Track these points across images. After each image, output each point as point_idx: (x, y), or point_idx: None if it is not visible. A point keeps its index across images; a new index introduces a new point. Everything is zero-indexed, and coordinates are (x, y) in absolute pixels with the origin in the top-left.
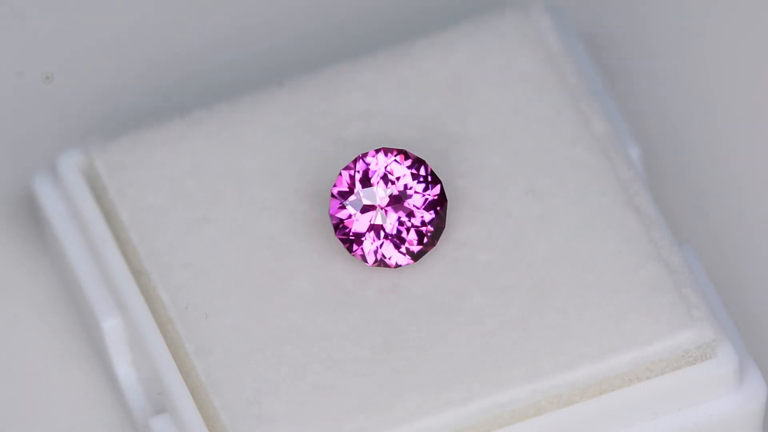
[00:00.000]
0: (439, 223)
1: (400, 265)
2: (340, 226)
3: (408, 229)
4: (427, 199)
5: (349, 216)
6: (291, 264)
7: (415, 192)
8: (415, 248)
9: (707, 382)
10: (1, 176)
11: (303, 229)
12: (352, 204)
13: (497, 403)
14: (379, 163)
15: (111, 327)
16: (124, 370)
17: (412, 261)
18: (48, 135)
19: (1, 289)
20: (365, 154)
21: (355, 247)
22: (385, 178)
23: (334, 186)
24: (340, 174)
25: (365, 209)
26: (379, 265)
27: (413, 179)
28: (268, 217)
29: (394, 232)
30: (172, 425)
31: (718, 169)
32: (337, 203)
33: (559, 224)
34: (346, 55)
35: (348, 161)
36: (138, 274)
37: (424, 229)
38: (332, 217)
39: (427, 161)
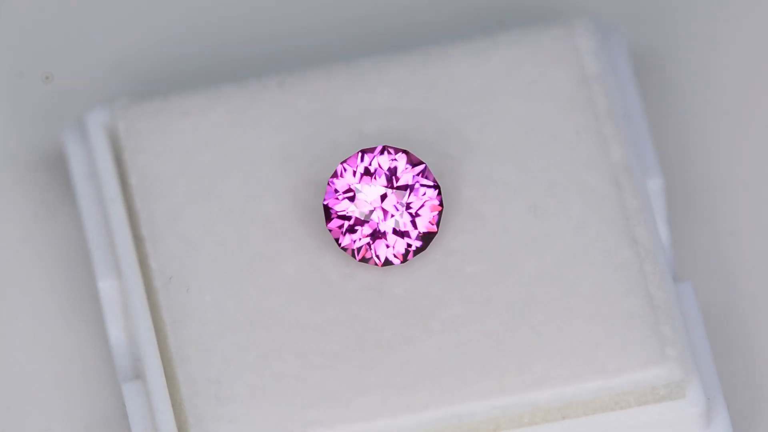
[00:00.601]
0: (431, 228)
1: (386, 264)
2: (332, 217)
3: (400, 230)
4: (423, 203)
5: (344, 209)
6: (281, 248)
7: (412, 194)
8: (403, 249)
9: (672, 422)
10: (35, 130)
11: (301, 216)
12: (348, 198)
13: (455, 414)
14: (380, 161)
15: (106, 288)
16: (115, 332)
17: (399, 262)
18: (85, 93)
19: (24, 238)
20: (367, 150)
21: (343, 240)
22: (383, 176)
23: (332, 177)
24: (340, 166)
25: (360, 204)
26: (365, 262)
27: (412, 181)
28: (269, 200)
29: (384, 230)
30: (141, 393)
31: (746, 210)
32: (332, 194)
33: (552, 246)
34: (382, 49)
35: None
36: (138, 240)
37: (415, 232)
38: (325, 207)
39: (430, 165)
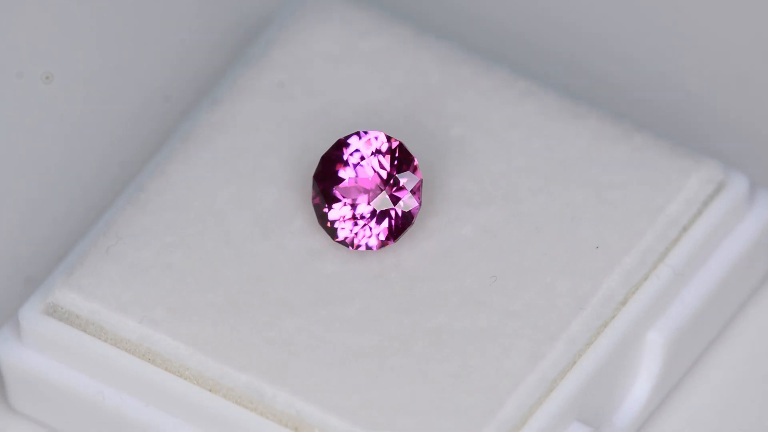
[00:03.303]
0: (407, 217)
1: (359, 248)
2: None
3: (376, 217)
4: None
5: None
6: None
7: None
8: (380, 236)
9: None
10: None
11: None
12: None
13: None
14: (359, 147)
15: None
16: None
17: (374, 248)
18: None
19: None
20: (346, 137)
21: (322, 218)
22: (363, 162)
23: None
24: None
25: (342, 190)
26: (343, 244)
27: (390, 164)
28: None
29: (360, 215)
30: None
31: None
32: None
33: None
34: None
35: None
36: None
37: (390, 222)
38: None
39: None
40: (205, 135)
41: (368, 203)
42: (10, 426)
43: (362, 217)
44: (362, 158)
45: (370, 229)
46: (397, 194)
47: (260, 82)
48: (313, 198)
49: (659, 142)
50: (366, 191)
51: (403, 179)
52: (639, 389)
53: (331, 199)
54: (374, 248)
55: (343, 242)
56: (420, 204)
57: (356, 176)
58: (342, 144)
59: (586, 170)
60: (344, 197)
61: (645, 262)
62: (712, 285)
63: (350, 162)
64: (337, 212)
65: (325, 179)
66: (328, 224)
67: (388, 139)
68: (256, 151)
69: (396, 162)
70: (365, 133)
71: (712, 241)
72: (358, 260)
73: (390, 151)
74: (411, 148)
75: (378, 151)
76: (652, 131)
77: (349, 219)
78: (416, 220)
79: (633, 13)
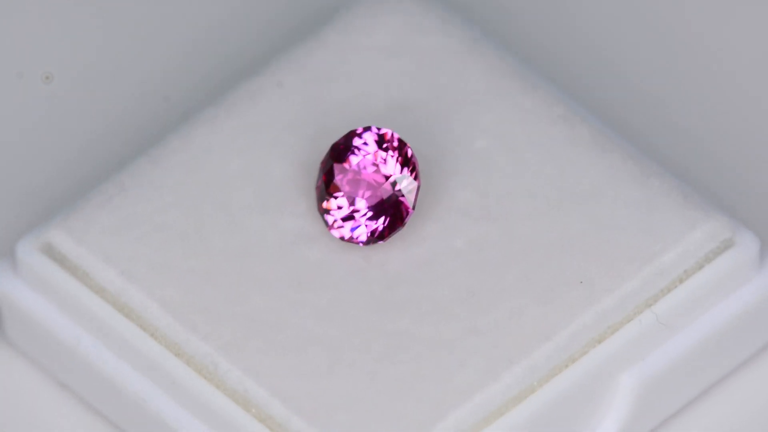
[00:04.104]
0: (398, 218)
1: (349, 240)
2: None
3: (369, 212)
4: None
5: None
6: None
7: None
8: (369, 232)
9: (728, 272)
10: None
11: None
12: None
13: None
14: (369, 141)
15: None
16: None
17: (361, 243)
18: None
19: None
20: (360, 130)
21: (319, 204)
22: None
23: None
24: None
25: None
26: (334, 233)
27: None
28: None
29: (354, 208)
30: None
31: None
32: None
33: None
34: None
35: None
36: None
37: (381, 220)
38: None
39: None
40: (238, 103)
41: (363, 197)
42: (6, 359)
43: (356, 211)
44: (367, 153)
45: (361, 223)
46: (393, 194)
47: (308, 61)
48: (317, 183)
49: (675, 190)
50: (364, 186)
51: (402, 182)
52: (604, 431)
53: (331, 188)
54: (361, 243)
55: (333, 231)
56: (413, 209)
57: (358, 169)
58: (353, 135)
59: (593, 204)
60: (343, 188)
61: (626, 305)
62: (702, 341)
63: (356, 154)
64: (333, 202)
65: (329, 167)
66: (323, 211)
67: (399, 140)
68: (279, 126)
69: (399, 163)
70: (378, 129)
71: (711, 297)
72: (345, 253)
73: (395, 149)
74: (429, 152)
75: (385, 149)
76: (675, 177)
77: (344, 210)
78: (414, 224)
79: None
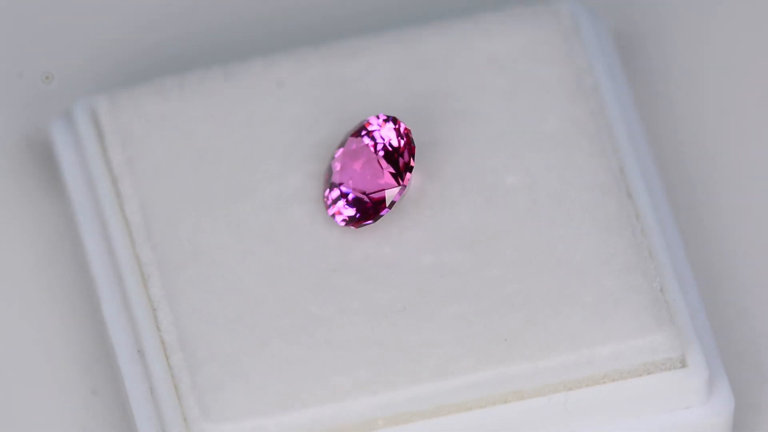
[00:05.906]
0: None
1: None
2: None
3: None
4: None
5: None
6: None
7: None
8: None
9: (675, 392)
10: (22, 121)
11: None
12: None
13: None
14: (381, 128)
15: (101, 273)
16: (111, 313)
17: (354, 225)
18: (73, 81)
19: (12, 227)
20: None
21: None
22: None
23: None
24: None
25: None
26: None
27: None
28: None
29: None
30: (141, 374)
31: (737, 187)
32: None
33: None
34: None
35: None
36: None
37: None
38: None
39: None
40: (289, 68)
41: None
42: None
43: (343, 194)
44: (372, 138)
45: (342, 206)
46: (378, 186)
47: (395, 54)
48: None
49: (652, 293)
50: (355, 166)
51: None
52: None
53: (329, 175)
54: (341, 224)
55: (327, 210)
56: (389, 207)
57: (354, 148)
58: (365, 122)
59: (568, 270)
60: (334, 171)
61: (534, 380)
62: None
63: (361, 137)
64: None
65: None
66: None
67: (407, 138)
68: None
69: (397, 160)
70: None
71: (630, 408)
72: (339, 238)
73: (396, 149)
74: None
75: (389, 142)
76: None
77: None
78: (414, 227)
79: None
